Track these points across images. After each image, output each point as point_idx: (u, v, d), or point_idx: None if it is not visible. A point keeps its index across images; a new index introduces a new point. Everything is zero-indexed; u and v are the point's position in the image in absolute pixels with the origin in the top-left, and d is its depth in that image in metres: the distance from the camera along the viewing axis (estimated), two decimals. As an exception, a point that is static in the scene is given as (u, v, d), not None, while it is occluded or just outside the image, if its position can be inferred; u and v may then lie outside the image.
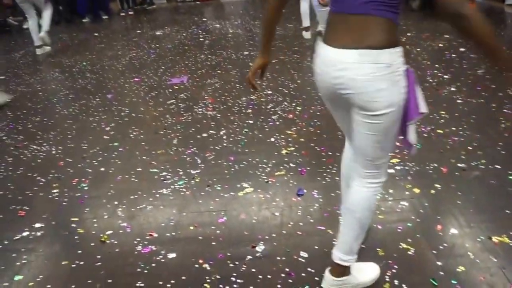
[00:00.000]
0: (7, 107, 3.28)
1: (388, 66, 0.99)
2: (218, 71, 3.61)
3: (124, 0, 6.46)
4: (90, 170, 2.29)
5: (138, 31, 5.38)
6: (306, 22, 4.15)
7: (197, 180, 2.08)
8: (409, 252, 1.47)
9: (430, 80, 3.03)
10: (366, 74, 1.00)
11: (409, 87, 1.05)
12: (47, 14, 4.60)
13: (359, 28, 1.00)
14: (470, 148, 2.11)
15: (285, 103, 2.87)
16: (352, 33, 1.01)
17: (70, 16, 6.15)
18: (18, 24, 6.24)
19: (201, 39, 4.71)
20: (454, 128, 2.32)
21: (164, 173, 2.16)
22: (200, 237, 1.65)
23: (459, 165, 1.97)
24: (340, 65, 1.03)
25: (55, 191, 2.12)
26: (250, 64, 3.71)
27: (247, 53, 4.03)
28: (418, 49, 3.70)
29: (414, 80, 1.06)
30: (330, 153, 2.19)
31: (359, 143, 1.14)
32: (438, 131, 2.30)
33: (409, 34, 4.12)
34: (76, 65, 4.21)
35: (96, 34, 5.40)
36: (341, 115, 1.25)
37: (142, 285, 1.44)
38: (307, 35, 4.26)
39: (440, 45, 3.69)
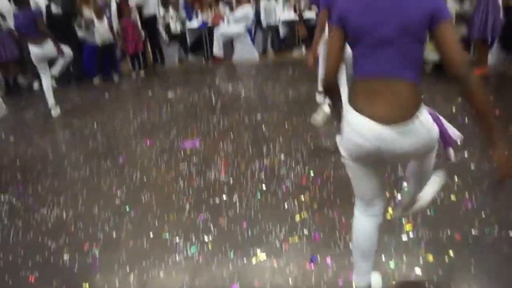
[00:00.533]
0: (17, 170, 3.68)
1: (425, 122, 1.31)
2: (231, 135, 4.01)
3: (135, 61, 7.23)
4: (101, 235, 2.56)
5: (150, 92, 5.98)
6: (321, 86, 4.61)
7: (210, 246, 2.32)
8: (423, 322, 1.65)
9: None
10: (414, 140, 1.29)
11: (436, 122, 1.38)
12: (62, 60, 5.19)
13: (397, 98, 1.27)
14: (484, 214, 2.33)
15: (298, 168, 3.18)
16: (391, 104, 1.26)
17: (80, 77, 6.86)
18: (28, 83, 6.97)
19: (214, 101, 5.23)
20: (467, 195, 2.56)
21: (177, 239, 2.42)
22: (213, 304, 1.86)
23: (472, 232, 2.19)
24: (387, 139, 1.28)
25: (66, 256, 2.39)
26: (263, 127, 4.13)
27: (259, 116, 4.47)
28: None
29: (436, 115, 1.40)
30: (343, 219, 2.43)
31: (416, 168, 1.53)
32: (451, 197, 2.54)
33: (422, 97, 4.53)
34: (87, 126, 4.69)
35: (107, 95, 6.02)
36: (374, 172, 1.48)
37: None
38: (320, 99, 4.64)
39: (453, 109, 4.05)
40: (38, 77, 6.87)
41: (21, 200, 3.12)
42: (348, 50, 1.40)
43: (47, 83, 5.11)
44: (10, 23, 6.38)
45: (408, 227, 2.28)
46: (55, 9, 6.60)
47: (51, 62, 5.19)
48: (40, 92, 6.57)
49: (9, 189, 3.32)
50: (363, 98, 1.32)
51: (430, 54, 5.45)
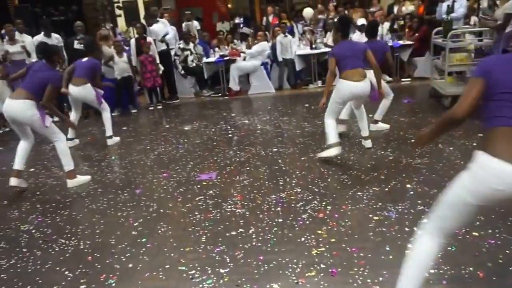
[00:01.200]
0: (37, 201, 3.83)
1: None
2: (247, 168, 4.11)
3: (153, 94, 7.53)
4: (118, 266, 2.63)
5: (167, 126, 6.19)
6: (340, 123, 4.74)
7: (225, 279, 2.36)
8: None
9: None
10: None
11: None
12: (106, 118, 5.40)
13: None
14: (508, 251, 2.32)
15: (315, 201, 3.23)
16: None
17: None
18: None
19: (230, 135, 5.37)
20: (490, 231, 2.55)
21: (193, 271, 2.47)
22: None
23: (496, 269, 2.18)
24: None
25: (82, 286, 2.45)
26: (279, 161, 4.22)
27: (275, 149, 4.57)
28: (451, 148, 4.08)
29: None
30: (362, 255, 2.45)
31: None
32: (474, 233, 2.54)
33: None
34: (105, 159, 4.87)
35: (124, 128, 6.24)
36: (476, 211, 1.63)
37: None
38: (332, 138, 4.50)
39: (474, 144, 4.08)
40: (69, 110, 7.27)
41: (40, 231, 3.23)
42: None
43: (75, 117, 5.49)
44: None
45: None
46: (76, 44, 7.02)
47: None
48: (62, 126, 6.89)
49: (29, 219, 3.44)
50: (504, 144, 1.51)
51: (449, 87, 5.56)
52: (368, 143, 4.34)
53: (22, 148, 4.03)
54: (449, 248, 2.39)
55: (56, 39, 7.06)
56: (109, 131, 5.46)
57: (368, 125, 4.38)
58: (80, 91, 5.20)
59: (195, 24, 9.03)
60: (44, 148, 5.58)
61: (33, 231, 3.25)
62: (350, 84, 3.84)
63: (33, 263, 2.76)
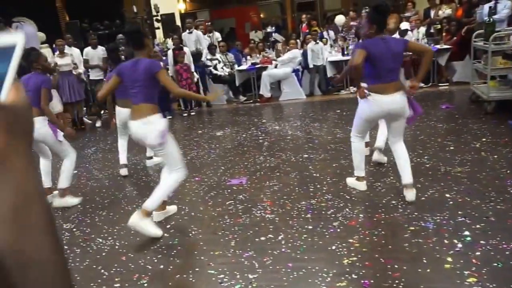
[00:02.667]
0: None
1: None
2: (277, 174, 4.03)
3: (187, 101, 7.64)
4: (150, 267, 2.63)
5: (199, 131, 6.23)
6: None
7: (254, 285, 2.30)
8: None
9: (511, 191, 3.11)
10: None
11: None
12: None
13: None
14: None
15: (347, 209, 3.11)
16: None
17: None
18: (92, 122, 7.59)
19: (260, 141, 5.33)
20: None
21: (222, 276, 2.42)
22: None
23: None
24: None
25: (116, 285, 2.47)
26: (309, 167, 4.12)
27: (306, 156, 4.48)
28: (495, 156, 3.81)
29: None
30: (396, 266, 2.31)
31: None
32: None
33: (484, 139, 4.28)
34: (141, 162, 4.95)
35: (160, 133, 6.35)
36: None
37: None
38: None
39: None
40: (101, 117, 7.53)
41: (80, 229, 3.31)
42: None
43: (122, 144, 4.62)
44: (80, 70, 7.17)
45: (471, 279, 2.12)
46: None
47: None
48: (102, 130, 7.13)
49: (71, 218, 3.54)
50: None
51: (492, 91, 5.22)
52: (410, 195, 3.06)
53: (44, 165, 3.86)
54: (495, 264, 2.22)
55: (102, 50, 7.37)
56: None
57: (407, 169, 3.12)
58: None
59: (217, 35, 9.27)
60: (87, 152, 5.76)
61: (74, 229, 3.33)
62: (382, 99, 2.99)
63: (73, 260, 2.82)
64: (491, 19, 5.38)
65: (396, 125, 3.09)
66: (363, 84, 3.14)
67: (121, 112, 4.37)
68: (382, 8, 2.98)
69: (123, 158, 4.56)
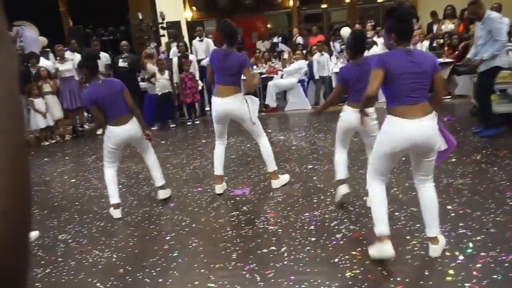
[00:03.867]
0: (76, 212, 3.93)
1: None
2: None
3: (192, 110, 7.69)
4: (148, 280, 2.61)
5: (203, 140, 6.25)
6: None
7: (254, 299, 2.27)
8: None
9: (511, 203, 3.08)
10: None
11: None
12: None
13: None
14: None
15: (350, 221, 3.08)
16: None
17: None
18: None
19: (264, 151, 5.32)
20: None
21: (221, 289, 2.40)
22: None
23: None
24: None
25: (113, 298, 2.45)
26: (314, 178, 4.10)
27: (310, 166, 4.46)
28: (495, 168, 3.80)
29: None
30: (399, 279, 2.28)
31: None
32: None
33: (484, 151, 4.27)
34: (143, 172, 4.96)
35: (163, 142, 6.37)
36: None
37: None
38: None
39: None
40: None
41: (76, 241, 3.30)
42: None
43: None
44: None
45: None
46: (121, 62, 7.34)
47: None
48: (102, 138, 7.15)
49: (67, 229, 3.54)
50: None
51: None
52: (435, 250, 2.50)
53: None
54: (495, 276, 2.18)
55: (104, 57, 7.45)
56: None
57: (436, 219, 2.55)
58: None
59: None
60: (86, 160, 5.79)
61: (70, 240, 3.32)
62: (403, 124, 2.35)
63: (67, 273, 2.81)
64: None
65: (425, 160, 2.43)
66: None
67: (115, 131, 3.68)
68: (400, 12, 2.35)
69: (115, 194, 3.63)
